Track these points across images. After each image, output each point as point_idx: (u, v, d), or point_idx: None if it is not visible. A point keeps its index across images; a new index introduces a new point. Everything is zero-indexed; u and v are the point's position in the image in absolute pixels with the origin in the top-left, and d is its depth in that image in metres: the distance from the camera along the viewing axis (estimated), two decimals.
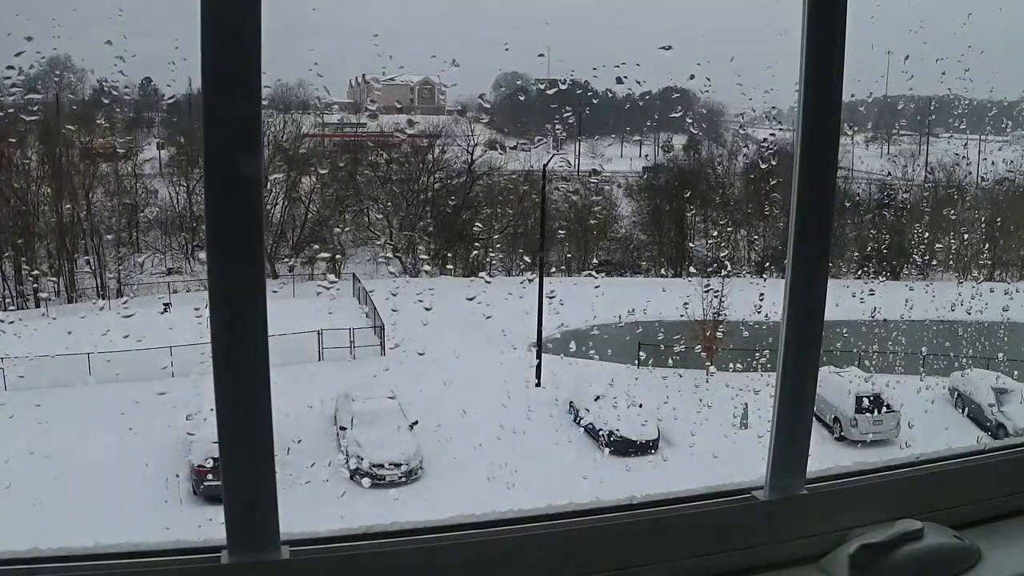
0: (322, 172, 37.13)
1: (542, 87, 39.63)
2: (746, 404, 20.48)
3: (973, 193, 36.49)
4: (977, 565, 2.38)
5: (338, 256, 36.25)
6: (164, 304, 28.94)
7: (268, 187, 32.23)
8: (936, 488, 2.59)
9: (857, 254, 35.78)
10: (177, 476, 17.89)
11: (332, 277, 34.76)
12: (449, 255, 37.66)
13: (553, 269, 35.22)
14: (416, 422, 20.29)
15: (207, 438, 16.44)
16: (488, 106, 40.96)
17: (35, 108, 34.40)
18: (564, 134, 40.56)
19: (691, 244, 38.90)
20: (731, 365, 23.19)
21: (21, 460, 17.39)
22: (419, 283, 34.62)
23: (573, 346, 24.75)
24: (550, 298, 26.01)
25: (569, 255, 37.70)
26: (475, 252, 37.59)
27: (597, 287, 33.06)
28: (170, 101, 37.45)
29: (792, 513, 2.40)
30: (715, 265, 32.98)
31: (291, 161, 36.51)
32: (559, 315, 26.75)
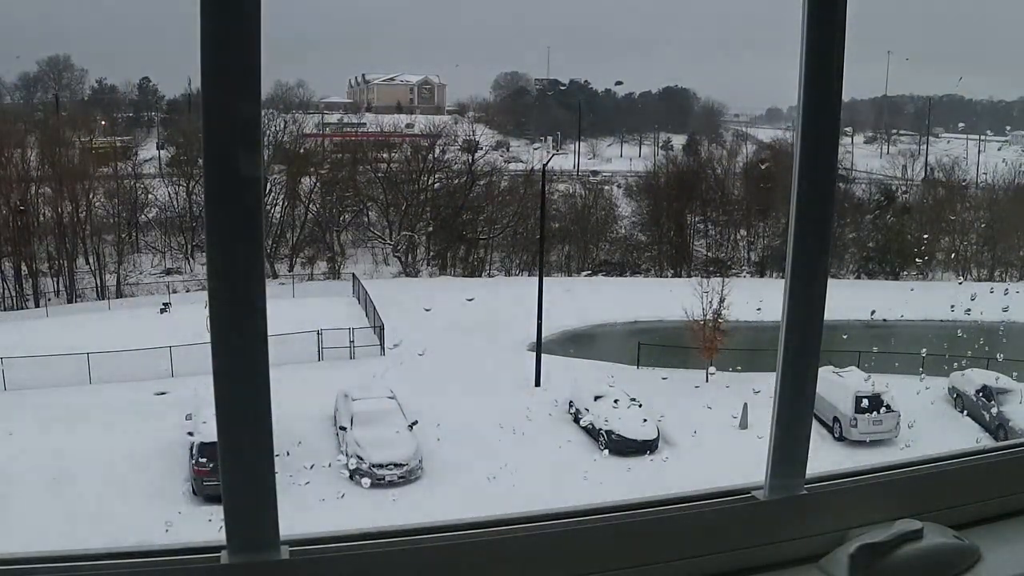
0: (322, 172, 37.16)
1: (542, 87, 39.76)
2: (746, 404, 20.48)
3: (973, 193, 36.54)
4: (977, 565, 2.37)
5: (338, 256, 36.27)
6: (164, 304, 29.02)
7: (268, 188, 32.23)
8: (936, 488, 2.58)
9: (856, 254, 35.82)
10: (177, 476, 17.87)
11: (332, 279, 34.78)
12: (449, 255, 37.65)
13: (553, 269, 35.21)
14: (415, 422, 20.23)
15: (207, 438, 16.42)
16: (488, 106, 41.06)
17: (36, 108, 34.53)
18: (561, 134, 40.70)
19: (691, 245, 38.88)
20: (731, 365, 23.18)
21: (20, 460, 17.40)
22: (419, 283, 34.66)
23: (573, 346, 24.74)
24: (549, 298, 26.00)
25: (569, 255, 37.69)
26: (475, 252, 37.60)
27: (596, 288, 33.10)
28: (168, 101, 37.61)
29: (792, 513, 2.40)
30: (715, 266, 33.02)
31: (291, 161, 36.51)
32: (559, 315, 26.76)
